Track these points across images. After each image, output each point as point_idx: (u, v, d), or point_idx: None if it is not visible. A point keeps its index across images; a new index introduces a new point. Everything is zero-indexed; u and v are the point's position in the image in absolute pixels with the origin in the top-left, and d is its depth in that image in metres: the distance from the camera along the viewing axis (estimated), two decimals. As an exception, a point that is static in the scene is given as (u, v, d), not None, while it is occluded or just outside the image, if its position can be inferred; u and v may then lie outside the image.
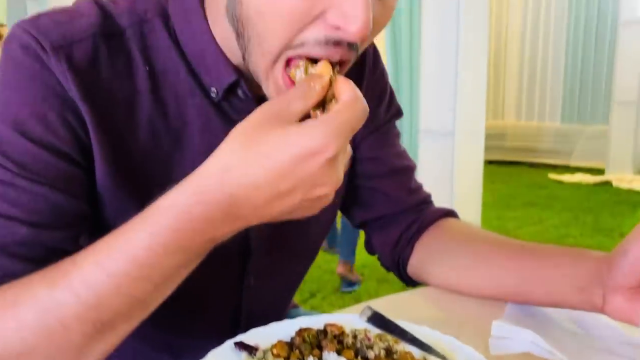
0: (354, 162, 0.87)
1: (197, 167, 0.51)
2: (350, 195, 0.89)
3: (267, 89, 0.60)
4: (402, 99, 3.02)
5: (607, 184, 5.89)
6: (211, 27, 0.64)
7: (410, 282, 0.91)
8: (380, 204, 0.88)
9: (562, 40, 7.08)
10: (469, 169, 3.27)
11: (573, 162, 6.58)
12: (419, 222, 0.88)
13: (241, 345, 0.64)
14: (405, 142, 3.14)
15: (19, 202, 0.56)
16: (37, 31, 0.59)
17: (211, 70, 0.65)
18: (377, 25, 0.56)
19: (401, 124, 3.18)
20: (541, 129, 7.09)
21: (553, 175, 6.38)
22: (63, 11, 0.62)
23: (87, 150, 0.61)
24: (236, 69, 0.64)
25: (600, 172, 6.29)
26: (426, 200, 0.92)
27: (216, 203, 0.48)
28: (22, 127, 0.57)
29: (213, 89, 0.65)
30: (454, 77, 2.97)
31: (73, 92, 0.59)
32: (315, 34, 0.54)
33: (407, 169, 0.91)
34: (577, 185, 5.99)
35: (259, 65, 0.58)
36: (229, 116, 0.67)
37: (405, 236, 0.87)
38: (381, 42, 3.27)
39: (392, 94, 0.91)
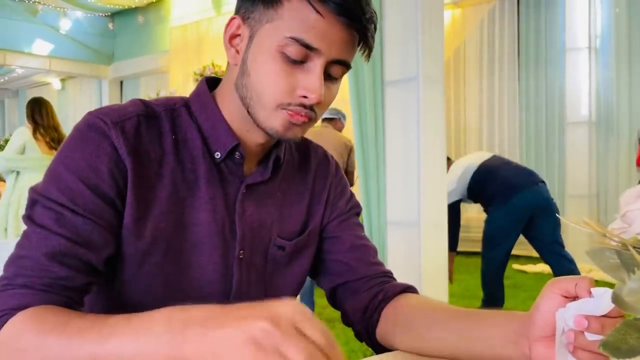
0: (320, 241, 1.10)
1: (203, 207, 0.91)
2: (318, 267, 1.12)
3: (271, 126, 0.89)
4: (370, 194, 3.26)
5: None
6: (220, 108, 0.95)
7: (380, 350, 1.07)
8: (343, 273, 1.09)
9: (516, 138, 7.63)
10: (435, 257, 3.46)
11: (535, 253, 6.81)
12: (383, 293, 1.06)
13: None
14: (374, 233, 3.35)
15: (67, 225, 0.80)
16: (100, 113, 0.87)
17: (219, 140, 0.93)
18: (326, 100, 0.90)
19: (370, 217, 3.40)
20: (503, 221, 7.37)
21: (517, 266, 6.60)
22: (119, 104, 0.90)
23: (123, 196, 0.84)
24: (236, 137, 0.93)
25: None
26: (387, 274, 1.11)
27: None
28: (79, 173, 0.81)
29: (217, 153, 0.93)
30: (417, 172, 3.24)
31: (122, 151, 0.84)
32: (293, 99, 0.86)
33: (367, 247, 1.12)
34: (539, 275, 6.21)
35: (260, 114, 0.89)
36: (224, 174, 0.95)
37: (372, 304, 1.05)
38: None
39: (352, 194, 1.18)
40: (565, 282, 0.76)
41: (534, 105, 7.43)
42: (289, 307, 0.58)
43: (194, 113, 0.94)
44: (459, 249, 5.99)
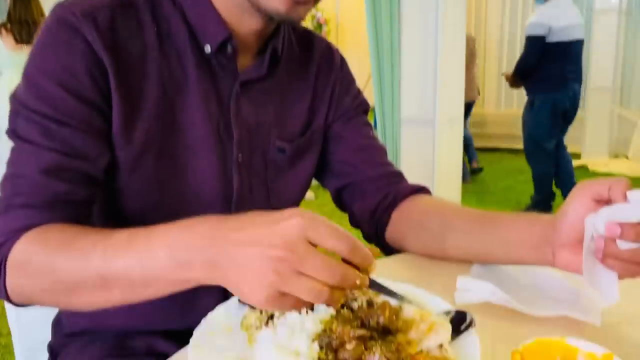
0: (324, 142, 1.01)
1: (195, 108, 0.82)
2: (323, 168, 1.03)
3: (272, 6, 0.77)
4: (384, 90, 3.12)
5: (584, 168, 6.08)
6: None
7: (389, 251, 1.02)
8: (350, 173, 1.01)
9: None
10: (450, 154, 3.39)
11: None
12: (394, 194, 0.99)
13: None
14: (387, 132, 3.26)
15: (56, 137, 0.73)
16: (69, 2, 0.76)
17: (208, 31, 0.82)
18: None
19: (383, 114, 3.28)
20: (520, 116, 7.23)
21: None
22: None
23: (107, 97, 0.76)
24: (227, 27, 0.82)
25: (576, 156, 6.45)
26: (397, 174, 1.03)
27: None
28: (56, 77, 0.73)
29: (207, 46, 0.82)
30: (434, 66, 3.08)
31: (97, 46, 0.74)
32: None
33: (375, 147, 1.04)
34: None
35: None
36: (215, 70, 0.84)
37: (382, 205, 0.98)
38: (363, 42, 3.36)
39: (358, 90, 1.06)
40: (598, 185, 0.69)
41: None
42: (298, 222, 0.53)
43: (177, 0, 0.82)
44: (475, 145, 5.92)
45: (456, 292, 0.78)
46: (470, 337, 0.63)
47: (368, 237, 1.04)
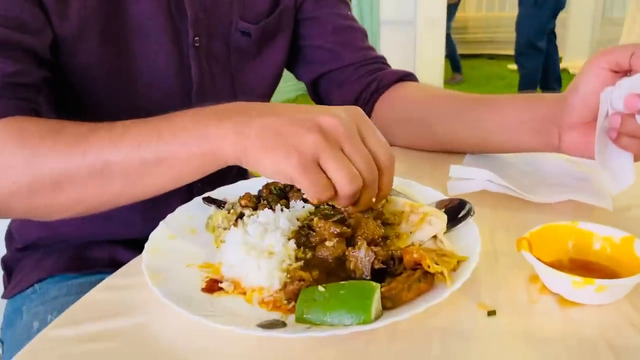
0: (296, 24, 0.89)
1: None
2: (296, 56, 0.91)
3: None
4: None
5: (565, 71, 5.97)
6: None
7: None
8: (327, 60, 0.90)
9: None
10: (432, 58, 3.25)
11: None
12: (377, 81, 0.88)
13: (209, 200, 0.66)
14: (365, 33, 3.08)
15: None
16: None
17: None
18: None
19: (362, 16, 3.09)
20: (502, 19, 7.02)
21: (512, 66, 6.41)
22: None
23: None
24: None
25: (558, 59, 6.35)
26: (380, 59, 0.92)
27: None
28: None
29: None
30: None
31: None
32: None
33: (353, 29, 0.91)
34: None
35: None
36: None
37: (364, 96, 0.88)
38: None
39: None
40: (618, 52, 0.58)
41: None
42: (354, 109, 0.52)
43: None
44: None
45: (449, 182, 0.70)
46: (468, 227, 0.55)
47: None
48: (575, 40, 6.31)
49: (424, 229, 0.56)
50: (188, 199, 0.66)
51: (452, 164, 0.75)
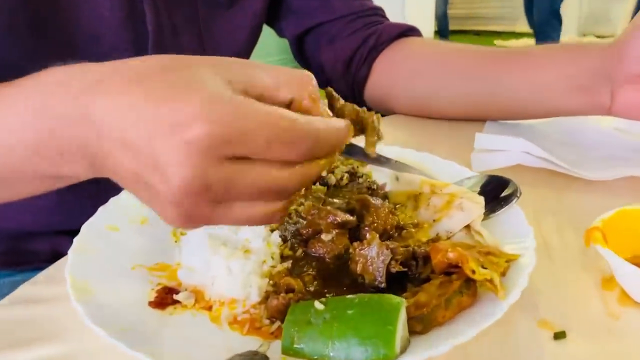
0: None
1: None
2: (277, 7, 0.75)
3: None
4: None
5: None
6: None
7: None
8: (314, 11, 0.74)
9: None
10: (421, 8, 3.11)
11: (519, 28, 6.49)
12: (376, 37, 0.73)
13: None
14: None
15: None
16: None
17: None
18: None
19: None
20: (488, -6, 6.87)
21: (499, 42, 6.29)
22: None
23: None
24: None
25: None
26: (377, 10, 0.77)
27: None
28: None
29: None
30: None
31: None
32: None
33: None
34: (522, 51, 5.95)
35: None
36: None
37: (359, 53, 0.72)
38: None
39: None
40: None
41: None
42: (201, 141, 0.28)
43: None
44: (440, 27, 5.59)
45: (473, 154, 0.56)
46: (512, 214, 0.41)
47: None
48: (563, 14, 6.19)
49: (452, 216, 0.42)
50: None
51: (469, 130, 0.61)
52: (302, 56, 0.79)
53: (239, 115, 0.28)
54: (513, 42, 6.20)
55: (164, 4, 0.63)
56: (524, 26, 6.66)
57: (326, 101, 0.35)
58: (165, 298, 0.37)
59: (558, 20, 4.48)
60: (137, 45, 0.62)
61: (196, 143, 0.27)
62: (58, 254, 0.67)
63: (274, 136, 0.28)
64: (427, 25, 3.16)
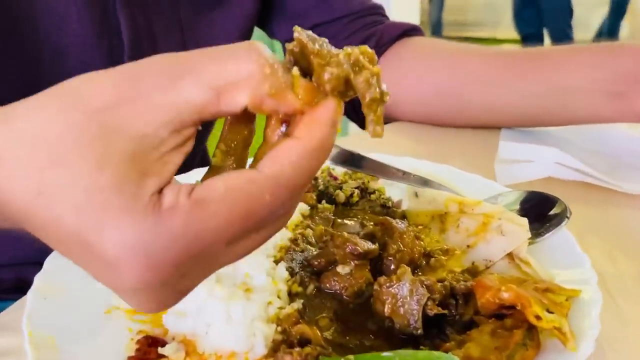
0: None
1: None
2: (270, 8, 0.68)
3: None
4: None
5: (533, 53, 5.93)
6: None
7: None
8: (311, 9, 0.67)
9: None
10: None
11: (500, 34, 6.55)
12: (376, 39, 0.67)
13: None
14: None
15: None
16: None
17: None
18: None
19: None
20: (468, 1, 6.93)
21: (480, 48, 6.34)
22: None
23: None
24: None
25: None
26: (377, 10, 0.70)
27: None
28: None
29: None
30: None
31: None
32: None
33: None
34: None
35: None
36: None
37: None
38: None
39: None
40: None
41: None
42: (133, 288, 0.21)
43: None
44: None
45: (497, 165, 0.49)
46: (562, 238, 0.35)
47: (338, 105, 0.73)
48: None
49: (490, 242, 0.35)
50: None
51: (486, 139, 0.55)
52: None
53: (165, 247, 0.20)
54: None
55: (141, 10, 0.56)
56: (505, 32, 6.73)
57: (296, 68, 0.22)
58: (149, 352, 0.30)
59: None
60: (111, 59, 0.55)
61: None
62: (24, 282, 0.59)
63: (232, 237, 0.21)
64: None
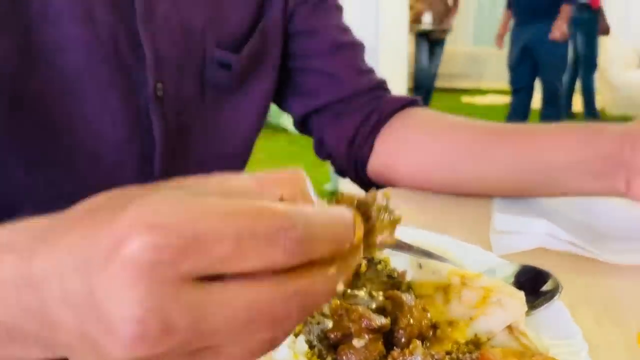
0: (285, 43, 0.71)
1: (69, 15, 0.50)
2: (286, 82, 0.72)
3: None
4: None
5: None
6: None
7: (369, 186, 0.76)
8: (324, 88, 0.71)
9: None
10: (394, 82, 3.18)
11: (484, 85, 6.74)
12: (378, 113, 0.72)
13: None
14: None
15: None
16: None
17: None
18: None
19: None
20: (454, 54, 7.15)
21: (466, 98, 6.50)
22: None
23: None
24: None
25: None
26: (381, 85, 0.76)
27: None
28: None
29: None
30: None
31: None
32: None
33: (354, 46, 0.74)
34: (489, 107, 6.14)
35: None
36: None
37: (363, 130, 0.70)
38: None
39: None
40: None
41: None
42: (139, 258, 0.19)
43: None
44: (409, 85, 5.74)
45: (493, 236, 0.53)
46: (555, 311, 0.38)
47: (342, 171, 0.76)
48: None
49: (491, 314, 0.39)
50: None
51: (480, 206, 0.59)
52: (304, 129, 0.77)
53: (191, 213, 0.20)
54: (479, 99, 6.43)
55: (173, 111, 0.60)
56: (489, 83, 6.94)
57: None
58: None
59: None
60: (143, 158, 0.59)
61: (136, 262, 0.19)
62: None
63: (245, 231, 0.20)
64: (400, 82, 3.24)
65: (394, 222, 0.28)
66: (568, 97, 4.79)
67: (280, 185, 0.23)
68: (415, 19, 5.17)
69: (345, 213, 0.23)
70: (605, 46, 5.23)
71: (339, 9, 0.74)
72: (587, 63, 4.70)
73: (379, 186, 0.74)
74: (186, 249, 0.19)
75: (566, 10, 3.88)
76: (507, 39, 4.36)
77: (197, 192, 0.21)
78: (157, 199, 0.20)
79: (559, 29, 3.92)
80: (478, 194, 0.64)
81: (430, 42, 5.56)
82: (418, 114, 0.72)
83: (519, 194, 0.62)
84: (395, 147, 0.70)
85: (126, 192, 0.22)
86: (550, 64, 4.03)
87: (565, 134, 0.59)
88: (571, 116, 4.85)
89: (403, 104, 0.73)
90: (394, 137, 0.70)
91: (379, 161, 0.72)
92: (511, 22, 4.27)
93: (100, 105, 0.55)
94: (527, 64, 4.11)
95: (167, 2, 0.58)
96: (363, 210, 0.28)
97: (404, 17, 3.12)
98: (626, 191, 0.53)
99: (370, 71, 0.75)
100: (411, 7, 4.68)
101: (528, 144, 0.60)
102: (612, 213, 0.58)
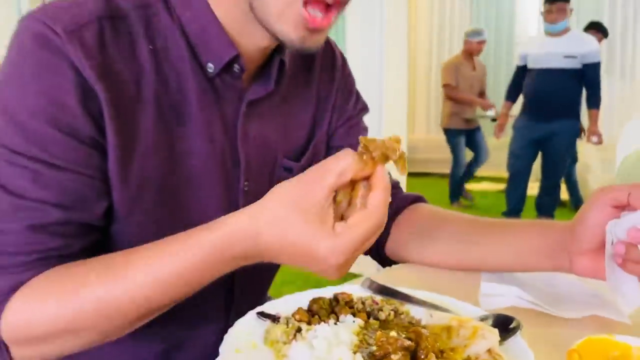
0: (327, 150, 0.94)
1: (197, 136, 0.72)
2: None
3: (281, 29, 0.68)
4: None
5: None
6: (212, 7, 0.71)
7: (386, 263, 0.99)
8: None
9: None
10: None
11: (479, 172, 7.02)
12: (394, 205, 0.96)
13: (264, 315, 0.69)
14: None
15: (49, 185, 0.62)
16: (47, 17, 0.62)
17: (211, 47, 0.71)
18: None
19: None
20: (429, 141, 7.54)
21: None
22: None
23: (103, 131, 0.65)
24: (234, 44, 0.72)
25: (503, 180, 6.78)
26: (396, 185, 1.00)
27: (244, 251, 0.61)
28: (44, 114, 0.61)
29: (210, 65, 0.72)
30: (379, 84, 3.13)
31: (87, 73, 0.62)
32: None
33: None
34: (483, 193, 6.43)
35: (272, 8, 0.66)
36: (219, 92, 0.74)
37: None
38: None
39: (358, 92, 1.00)
40: (617, 192, 0.69)
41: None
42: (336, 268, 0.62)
43: (175, 10, 0.71)
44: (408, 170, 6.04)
45: (481, 297, 0.76)
46: (517, 342, 0.61)
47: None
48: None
49: (478, 343, 0.61)
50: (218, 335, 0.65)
51: (472, 277, 0.81)
52: None
53: (353, 251, 0.58)
54: (474, 185, 6.72)
55: (253, 198, 0.74)
56: (482, 171, 7.24)
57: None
58: (292, 400, 0.53)
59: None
60: (227, 188, 0.79)
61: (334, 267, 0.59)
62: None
63: (364, 240, 0.59)
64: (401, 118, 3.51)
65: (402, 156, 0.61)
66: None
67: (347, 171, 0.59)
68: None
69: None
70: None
71: (365, 129, 1.00)
72: (572, 157, 5.02)
73: (394, 262, 0.97)
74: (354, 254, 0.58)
75: (595, 115, 4.11)
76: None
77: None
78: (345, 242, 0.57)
79: (595, 133, 4.19)
80: (470, 270, 0.87)
81: None
82: (424, 209, 0.97)
83: (499, 270, 0.85)
84: (406, 235, 0.93)
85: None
86: (559, 160, 4.23)
87: (528, 228, 0.83)
88: (562, 204, 5.09)
89: (412, 200, 0.98)
90: (405, 226, 0.94)
91: (394, 244, 0.95)
92: (513, 111, 4.53)
93: (210, 194, 0.74)
94: (531, 153, 4.33)
95: (256, 127, 0.78)
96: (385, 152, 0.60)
97: (403, 112, 3.44)
98: (570, 268, 0.75)
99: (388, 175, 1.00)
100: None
101: (504, 236, 0.84)
102: (563, 282, 0.81)
